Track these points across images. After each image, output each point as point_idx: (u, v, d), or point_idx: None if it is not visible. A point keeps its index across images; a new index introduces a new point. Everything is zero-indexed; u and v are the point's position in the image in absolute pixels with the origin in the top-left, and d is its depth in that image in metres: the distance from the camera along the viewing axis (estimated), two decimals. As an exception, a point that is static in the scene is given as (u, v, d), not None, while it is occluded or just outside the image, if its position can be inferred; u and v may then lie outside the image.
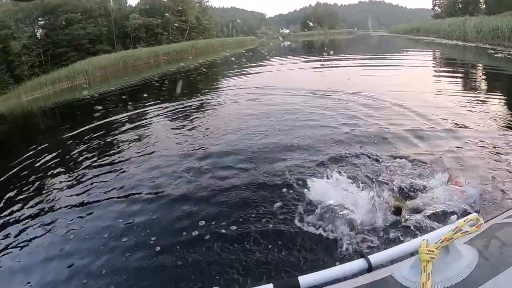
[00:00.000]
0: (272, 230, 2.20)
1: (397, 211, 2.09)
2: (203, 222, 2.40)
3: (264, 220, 2.32)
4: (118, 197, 3.07)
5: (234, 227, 2.29)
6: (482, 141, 3.44)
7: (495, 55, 11.18)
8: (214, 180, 3.10)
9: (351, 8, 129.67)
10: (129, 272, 2.04)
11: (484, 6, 32.64)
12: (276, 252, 2.00)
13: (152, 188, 3.12)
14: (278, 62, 16.05)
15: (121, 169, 3.81)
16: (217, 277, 1.86)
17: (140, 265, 2.08)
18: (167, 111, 6.78)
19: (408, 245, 0.98)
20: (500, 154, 3.08)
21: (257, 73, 12.48)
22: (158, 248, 2.19)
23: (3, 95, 15.50)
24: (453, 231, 0.78)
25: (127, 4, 38.07)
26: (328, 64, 13.19)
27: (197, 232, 2.30)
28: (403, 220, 2.03)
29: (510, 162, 2.89)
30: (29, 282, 2.12)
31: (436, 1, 43.75)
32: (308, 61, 15.97)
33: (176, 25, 37.10)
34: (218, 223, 2.38)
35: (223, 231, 2.27)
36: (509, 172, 2.72)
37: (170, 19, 36.21)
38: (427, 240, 0.79)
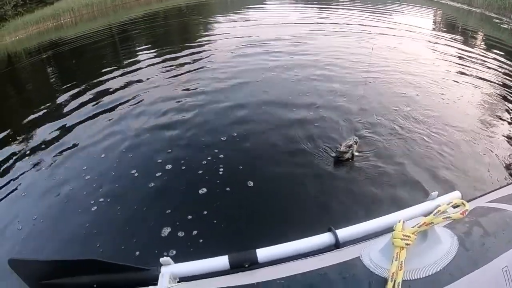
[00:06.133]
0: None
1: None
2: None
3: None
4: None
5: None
6: (468, 115, 3.50)
7: (500, 25, 10.39)
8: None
9: None
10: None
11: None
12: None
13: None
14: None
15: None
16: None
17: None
18: (160, 55, 6.47)
19: (381, 221, 0.88)
20: (488, 130, 3.12)
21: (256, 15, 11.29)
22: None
23: (-15, 37, 14.59)
24: (434, 215, 0.67)
25: None
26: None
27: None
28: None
29: (494, 139, 2.93)
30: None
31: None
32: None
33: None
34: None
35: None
36: (491, 150, 2.78)
37: None
38: (403, 221, 0.67)
